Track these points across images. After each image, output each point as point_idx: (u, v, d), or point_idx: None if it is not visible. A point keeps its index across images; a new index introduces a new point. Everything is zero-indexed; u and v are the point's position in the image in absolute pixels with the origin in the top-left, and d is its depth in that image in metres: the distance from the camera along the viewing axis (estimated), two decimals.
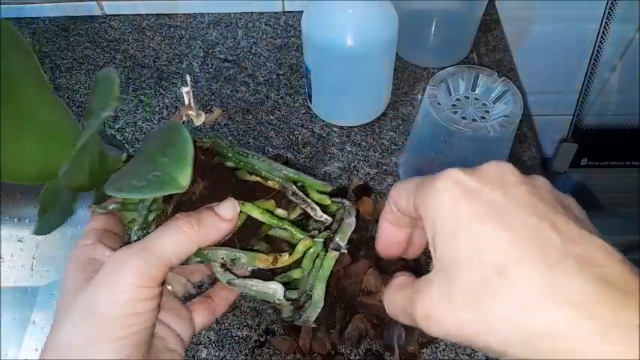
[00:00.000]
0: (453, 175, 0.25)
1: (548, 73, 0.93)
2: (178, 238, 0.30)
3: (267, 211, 0.33)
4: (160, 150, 0.29)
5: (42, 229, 0.34)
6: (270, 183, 0.35)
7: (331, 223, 0.34)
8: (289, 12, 0.80)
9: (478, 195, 0.24)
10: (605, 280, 0.20)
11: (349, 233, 0.33)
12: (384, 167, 0.63)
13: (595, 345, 0.20)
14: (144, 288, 0.29)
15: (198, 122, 0.34)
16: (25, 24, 0.80)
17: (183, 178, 0.26)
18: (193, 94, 0.33)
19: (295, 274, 0.33)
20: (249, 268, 0.32)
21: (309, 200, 0.34)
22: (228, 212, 0.32)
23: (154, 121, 0.70)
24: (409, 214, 0.28)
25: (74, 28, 0.80)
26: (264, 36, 0.78)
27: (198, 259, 0.33)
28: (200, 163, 0.34)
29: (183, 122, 0.34)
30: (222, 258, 0.32)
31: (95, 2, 0.80)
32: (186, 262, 0.32)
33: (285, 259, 0.32)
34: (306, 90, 0.68)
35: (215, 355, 0.51)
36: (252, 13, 0.81)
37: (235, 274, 0.33)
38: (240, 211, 0.32)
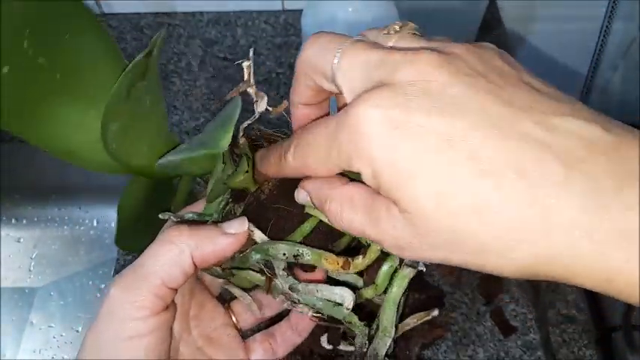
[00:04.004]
0: (375, 113, 0.20)
1: (550, 72, 0.93)
2: (167, 249, 0.27)
3: None
4: (214, 120, 0.27)
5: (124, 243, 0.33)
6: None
7: None
8: (289, 10, 0.80)
9: (413, 126, 0.20)
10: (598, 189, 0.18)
11: None
12: None
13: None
14: (134, 322, 0.26)
15: (260, 107, 0.30)
16: None
17: (224, 139, 0.24)
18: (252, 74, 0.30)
19: (368, 292, 0.28)
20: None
21: None
22: (232, 226, 0.28)
23: None
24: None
25: None
26: (264, 34, 0.78)
27: (258, 256, 0.29)
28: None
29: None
30: (284, 254, 0.28)
31: (93, 1, 0.79)
32: (246, 259, 0.29)
33: (359, 263, 0.28)
34: None
35: None
36: (251, 11, 0.80)
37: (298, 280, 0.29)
38: (311, 215, 0.29)
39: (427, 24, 0.75)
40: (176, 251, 0.27)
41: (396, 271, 0.28)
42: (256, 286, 0.32)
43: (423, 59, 0.20)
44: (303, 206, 0.29)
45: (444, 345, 0.51)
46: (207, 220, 0.30)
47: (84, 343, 0.27)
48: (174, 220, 0.30)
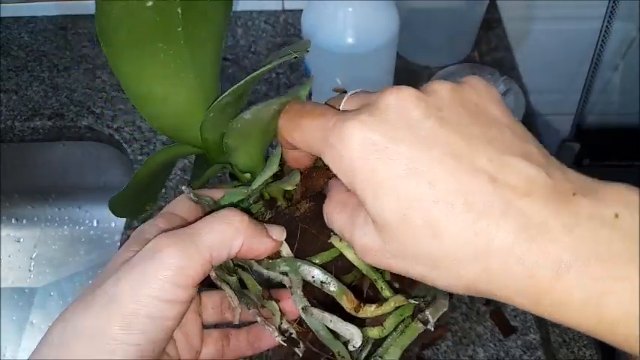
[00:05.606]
0: (361, 135, 0.24)
1: (550, 72, 0.93)
2: (226, 229, 0.27)
3: None
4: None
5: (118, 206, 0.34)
6: None
7: (424, 296, 0.30)
8: (289, 10, 0.80)
9: (389, 152, 0.23)
10: (530, 225, 0.21)
11: (440, 313, 0.29)
12: None
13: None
14: (176, 288, 0.26)
15: None
16: (24, 23, 0.80)
17: (303, 91, 0.27)
18: None
19: (373, 332, 0.29)
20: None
21: None
22: (275, 232, 0.30)
23: None
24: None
25: (72, 27, 0.79)
26: (264, 34, 0.78)
27: (287, 268, 0.30)
28: (319, 187, 0.32)
29: None
30: (313, 277, 0.29)
31: (94, 1, 0.79)
32: (273, 266, 0.30)
33: (370, 310, 0.29)
34: None
35: None
36: (251, 11, 0.80)
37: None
38: (334, 246, 0.30)
39: (427, 24, 0.75)
40: (233, 234, 0.27)
41: (404, 320, 0.30)
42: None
43: (405, 91, 0.24)
44: (329, 236, 0.30)
45: (444, 345, 0.51)
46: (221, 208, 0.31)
47: (118, 286, 0.26)
48: (194, 198, 0.31)
